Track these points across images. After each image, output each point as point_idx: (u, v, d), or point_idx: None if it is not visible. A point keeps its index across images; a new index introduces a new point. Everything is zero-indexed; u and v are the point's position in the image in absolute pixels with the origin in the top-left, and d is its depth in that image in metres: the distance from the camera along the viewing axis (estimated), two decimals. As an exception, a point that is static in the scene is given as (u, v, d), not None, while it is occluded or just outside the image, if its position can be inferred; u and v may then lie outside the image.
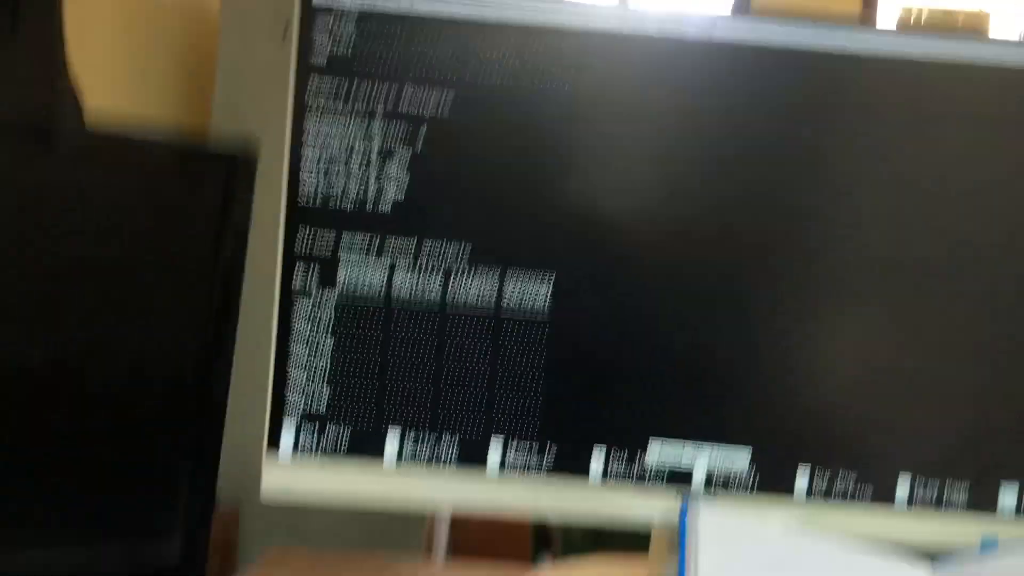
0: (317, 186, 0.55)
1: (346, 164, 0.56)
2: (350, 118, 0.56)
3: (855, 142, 0.57)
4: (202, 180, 0.47)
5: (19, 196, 0.40)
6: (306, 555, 0.72)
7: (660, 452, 0.57)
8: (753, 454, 0.57)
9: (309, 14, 0.55)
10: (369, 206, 0.56)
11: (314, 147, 0.55)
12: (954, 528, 0.58)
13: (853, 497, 0.57)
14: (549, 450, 0.57)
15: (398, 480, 0.57)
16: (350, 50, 0.55)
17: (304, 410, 0.56)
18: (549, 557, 1.52)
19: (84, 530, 0.45)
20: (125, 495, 0.46)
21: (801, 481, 0.57)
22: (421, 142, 0.56)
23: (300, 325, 0.56)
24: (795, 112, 0.57)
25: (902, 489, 0.58)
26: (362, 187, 0.56)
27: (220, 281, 0.47)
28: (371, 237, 0.56)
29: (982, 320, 0.57)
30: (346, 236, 0.56)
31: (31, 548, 0.43)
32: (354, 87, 0.55)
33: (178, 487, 0.47)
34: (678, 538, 0.54)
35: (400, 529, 1.48)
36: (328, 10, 0.55)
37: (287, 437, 0.56)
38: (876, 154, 0.57)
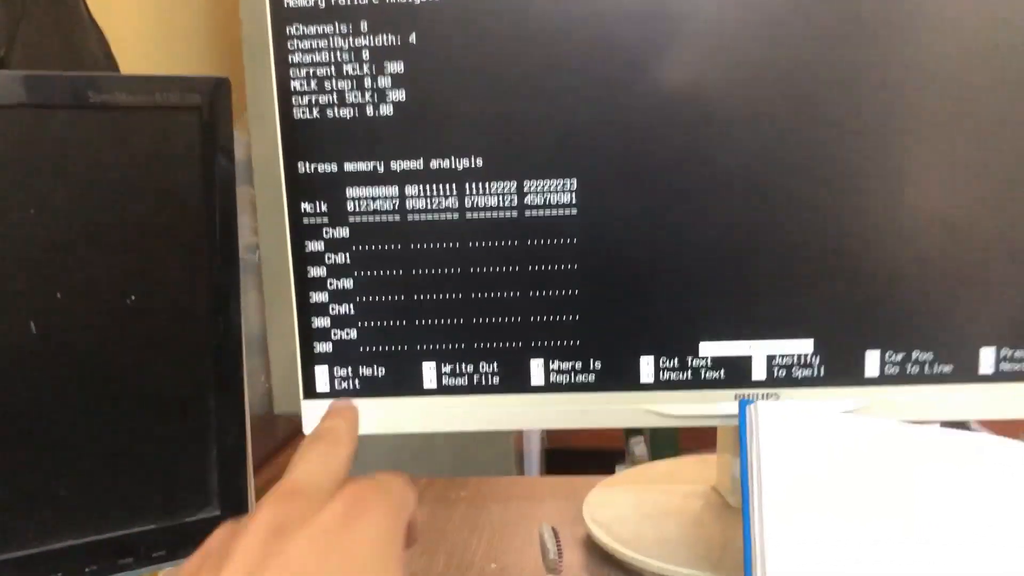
0: (312, 118, 0.52)
1: (337, 84, 0.51)
2: (335, 28, 0.51)
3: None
4: (178, 114, 0.44)
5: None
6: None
7: (713, 354, 0.53)
8: (815, 345, 0.53)
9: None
10: (367, 129, 0.52)
11: (302, 69, 0.51)
12: (1047, 399, 0.52)
13: (930, 378, 0.53)
14: (593, 366, 0.54)
15: (440, 407, 0.55)
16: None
17: (335, 356, 0.54)
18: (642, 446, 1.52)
19: (115, 501, 0.44)
20: (151, 457, 0.45)
21: (871, 367, 0.53)
22: (415, 44, 0.51)
23: (316, 271, 0.53)
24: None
25: (986, 364, 0.52)
26: (357, 110, 0.51)
27: (215, 210, 0.44)
28: (375, 166, 0.52)
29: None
30: (348, 167, 0.52)
31: (55, 530, 0.42)
32: None
33: (204, 435, 0.46)
34: (739, 440, 0.50)
35: (490, 453, 1.50)
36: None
37: (322, 383, 0.55)
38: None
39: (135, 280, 0.44)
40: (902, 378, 0.53)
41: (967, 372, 0.53)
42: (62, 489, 0.42)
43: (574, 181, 0.52)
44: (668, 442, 1.43)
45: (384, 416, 0.54)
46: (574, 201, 0.52)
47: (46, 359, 0.42)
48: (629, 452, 1.79)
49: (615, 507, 0.59)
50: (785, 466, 0.48)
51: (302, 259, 0.53)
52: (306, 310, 0.54)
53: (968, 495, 0.46)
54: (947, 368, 0.53)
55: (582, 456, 2.10)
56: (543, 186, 0.52)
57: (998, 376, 0.53)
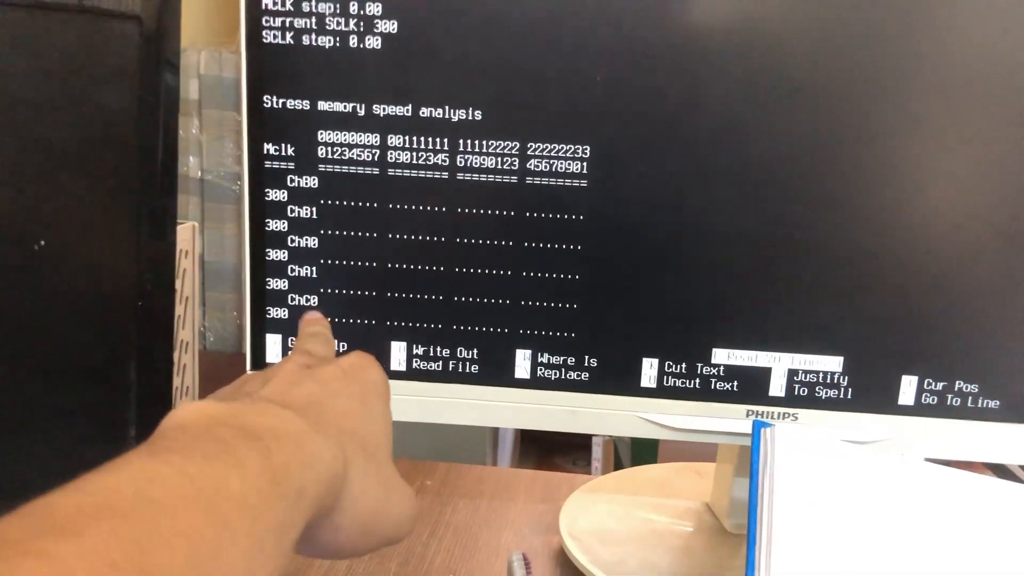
0: (284, 43, 0.43)
1: (318, 7, 0.43)
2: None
3: None
4: (111, 22, 0.35)
5: None
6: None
7: (727, 362, 0.46)
8: (845, 363, 0.46)
9: None
10: (348, 64, 0.44)
11: (277, -9, 0.43)
12: (1102, 448, 0.46)
13: (973, 413, 0.46)
14: (588, 363, 0.47)
15: (407, 393, 0.47)
16: None
17: (291, 324, 0.47)
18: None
19: (17, 481, 0.37)
20: (57, 432, 0.38)
21: (906, 394, 0.46)
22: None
23: (276, 225, 0.45)
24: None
25: (1037, 402, 0.46)
26: (338, 39, 0.43)
27: (151, 141, 0.37)
28: (354, 108, 0.44)
29: None
30: (323, 105, 0.44)
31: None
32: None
33: (121, 412, 0.39)
34: (750, 461, 0.43)
35: (467, 440, 1.44)
36: None
37: (273, 354, 0.47)
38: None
39: (47, 222, 0.36)
40: (941, 410, 0.46)
41: (1017, 410, 0.46)
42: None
43: (587, 148, 0.44)
44: (649, 441, 1.38)
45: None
46: (585, 171, 0.44)
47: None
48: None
49: (596, 518, 0.52)
50: (800, 497, 0.41)
51: (260, 209, 0.45)
52: (260, 269, 0.46)
53: (986, 544, 0.40)
54: (994, 403, 0.46)
55: (553, 443, 2.05)
56: (550, 150, 0.44)
57: (1050, 418, 0.46)
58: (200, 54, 1.45)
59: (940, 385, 0.46)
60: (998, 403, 0.46)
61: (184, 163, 1.48)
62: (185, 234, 0.60)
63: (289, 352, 0.47)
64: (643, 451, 1.46)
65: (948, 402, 0.46)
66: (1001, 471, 1.05)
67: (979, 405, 0.46)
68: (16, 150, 0.35)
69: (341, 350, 0.46)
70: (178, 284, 0.60)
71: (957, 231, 0.44)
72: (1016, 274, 0.44)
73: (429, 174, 0.45)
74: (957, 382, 0.46)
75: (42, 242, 0.36)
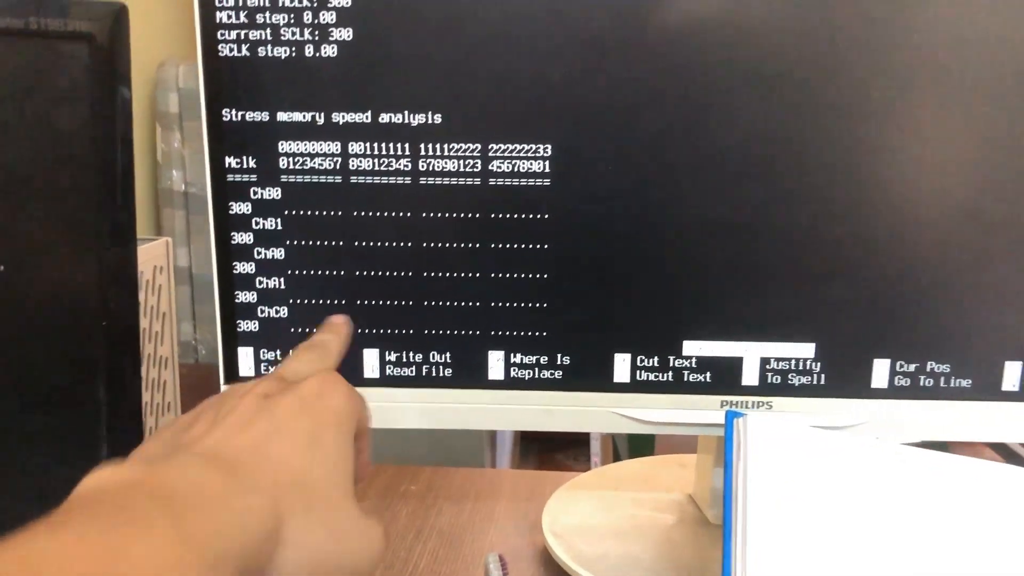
0: (240, 56, 0.43)
1: (272, 18, 0.43)
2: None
3: None
4: (63, 43, 0.36)
5: None
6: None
7: (699, 353, 0.46)
8: (817, 349, 0.46)
9: None
10: (306, 73, 0.44)
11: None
12: (1076, 422, 0.46)
13: (945, 393, 0.46)
14: (561, 361, 0.47)
15: (383, 400, 0.47)
16: None
17: (261, 336, 0.47)
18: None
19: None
20: (27, 456, 0.38)
21: (879, 377, 0.46)
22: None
23: (241, 238, 0.45)
24: None
25: (1011, 380, 0.46)
26: (294, 49, 0.43)
27: (108, 160, 0.36)
28: (314, 117, 0.44)
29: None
30: (282, 116, 0.44)
31: None
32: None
33: (93, 433, 0.39)
34: (724, 452, 0.43)
35: (464, 442, 1.43)
36: None
37: (245, 367, 0.47)
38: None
39: (6, 246, 0.36)
40: (914, 391, 0.46)
41: (989, 388, 0.46)
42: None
43: (548, 147, 0.44)
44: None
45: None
46: (547, 170, 0.44)
47: None
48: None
49: (578, 515, 0.53)
50: (774, 486, 0.41)
51: (225, 223, 0.45)
52: (229, 282, 0.46)
53: (966, 524, 0.40)
54: (966, 383, 0.46)
55: (552, 438, 2.05)
56: (512, 150, 0.44)
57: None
58: (179, 68, 1.45)
59: (912, 367, 0.46)
60: (970, 382, 0.46)
61: (168, 177, 1.48)
62: (158, 250, 0.60)
63: (264, 372, 0.47)
64: (640, 444, 1.46)
65: (921, 383, 0.46)
66: (1005, 452, 1.04)
67: (951, 385, 0.46)
68: (-31, 176, 0.35)
69: (314, 359, 0.46)
70: (154, 300, 0.60)
71: (922, 214, 0.44)
72: (981, 253, 0.44)
73: (392, 180, 0.45)
74: (929, 363, 0.46)
75: (1, 267, 0.36)
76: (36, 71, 0.36)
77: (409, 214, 0.45)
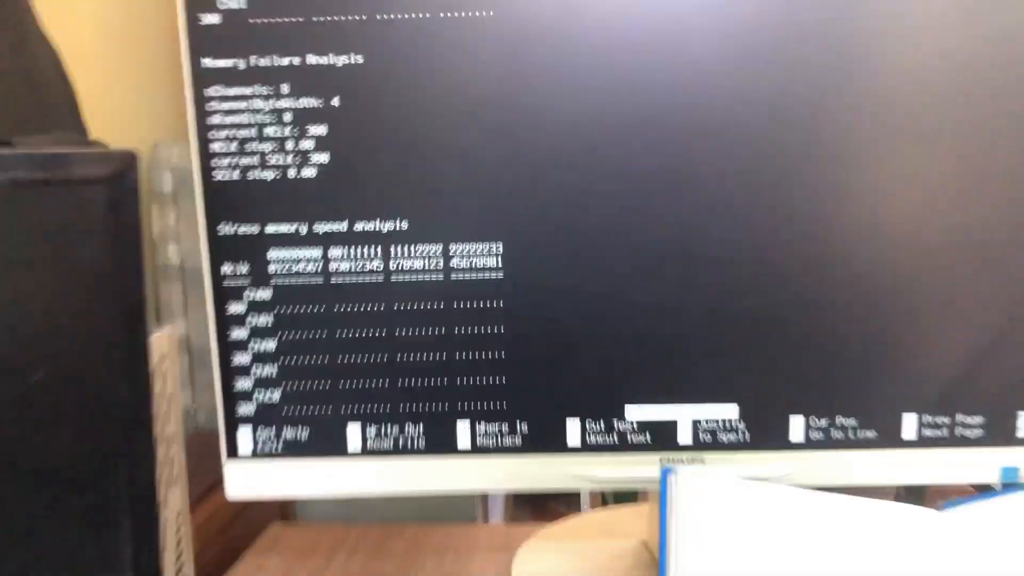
0: (233, 179, 0.51)
1: (259, 146, 0.51)
2: (256, 91, 0.50)
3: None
4: (84, 188, 0.43)
5: None
6: (311, 531, 0.71)
7: (639, 418, 0.53)
8: (740, 410, 0.53)
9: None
10: (290, 191, 0.51)
11: (222, 131, 0.50)
12: (969, 463, 0.53)
13: (854, 443, 0.53)
14: (520, 429, 0.53)
15: (365, 470, 0.54)
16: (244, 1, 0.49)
17: (258, 417, 0.53)
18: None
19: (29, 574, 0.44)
20: (62, 532, 0.45)
21: (796, 432, 0.53)
22: (337, 107, 0.50)
23: (237, 333, 0.52)
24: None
25: (909, 430, 0.53)
26: (279, 172, 0.51)
27: (123, 283, 0.43)
28: (297, 228, 0.51)
29: (983, 240, 0.51)
30: (271, 228, 0.51)
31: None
32: (254, 50, 0.50)
33: (116, 507, 0.45)
34: (660, 505, 0.50)
35: (453, 501, 1.49)
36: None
37: (244, 445, 0.54)
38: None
39: (42, 357, 0.43)
40: (827, 443, 0.53)
41: (890, 438, 0.53)
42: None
43: (500, 245, 0.51)
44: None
45: (308, 479, 0.54)
46: (500, 265, 0.52)
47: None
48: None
49: (544, 563, 0.59)
50: (701, 532, 0.48)
51: (223, 321, 0.52)
52: (228, 371, 0.53)
53: (879, 564, 0.47)
54: (871, 434, 0.53)
55: (544, 496, 2.10)
56: (469, 249, 0.52)
57: (921, 442, 0.53)
58: (172, 148, 1.54)
59: (823, 421, 0.53)
60: (875, 432, 0.53)
61: (164, 252, 1.55)
62: (164, 340, 0.67)
63: (259, 450, 0.53)
64: (624, 490, 1.51)
65: (832, 435, 0.53)
66: (908, 491, 1.09)
67: (858, 436, 0.53)
68: (13, 299, 0.42)
69: (305, 435, 0.53)
70: (160, 385, 0.66)
71: (824, 290, 0.52)
72: (871, 322, 0.52)
73: (367, 279, 0.52)
74: (837, 417, 0.53)
75: (40, 374, 0.43)
76: (63, 213, 0.43)
77: (382, 307, 0.52)
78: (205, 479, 0.79)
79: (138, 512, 0.47)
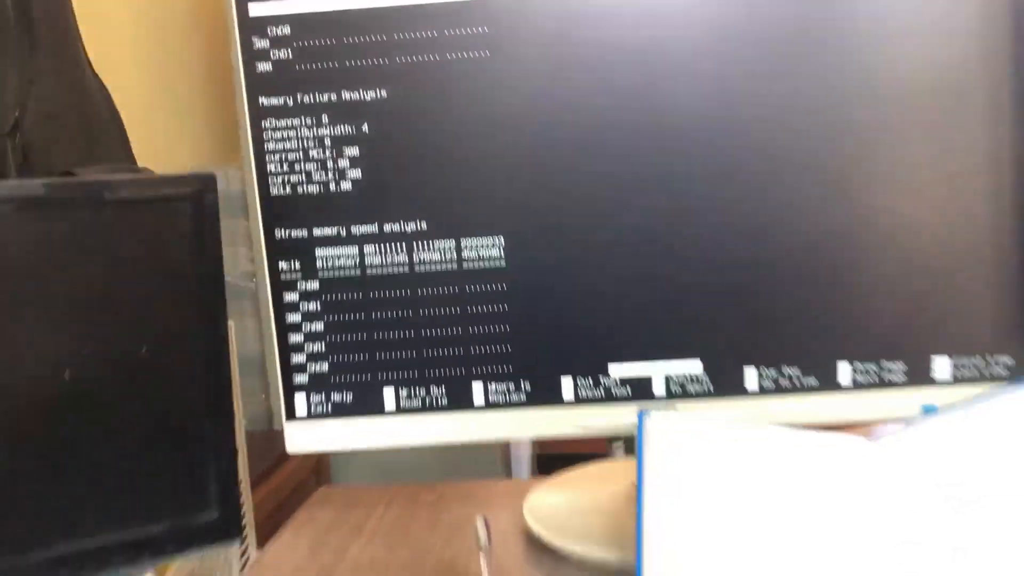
0: (285, 194, 0.63)
1: (305, 166, 0.63)
2: (302, 121, 0.63)
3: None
4: (174, 203, 0.56)
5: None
6: (355, 491, 0.83)
7: (621, 375, 0.65)
8: (703, 364, 0.64)
9: (247, 24, 0.62)
10: (331, 201, 0.64)
11: (276, 155, 0.63)
12: (895, 403, 0.64)
13: (799, 389, 0.64)
14: (524, 387, 0.65)
15: (400, 425, 0.66)
16: (290, 52, 0.62)
17: (311, 385, 0.66)
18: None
19: (134, 508, 0.56)
20: (162, 473, 0.57)
21: (751, 382, 0.64)
22: (367, 133, 0.63)
23: (292, 317, 0.65)
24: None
25: (844, 376, 0.64)
26: (322, 186, 0.63)
27: (205, 280, 0.56)
28: (338, 231, 0.64)
29: (898, 198, 0.62)
30: (317, 232, 0.64)
31: (90, 532, 0.54)
32: (300, 88, 0.62)
33: (205, 451, 0.58)
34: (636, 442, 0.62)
35: (477, 459, 1.61)
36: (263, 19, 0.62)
37: (300, 408, 0.66)
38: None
39: (146, 336, 0.56)
40: (777, 391, 0.64)
41: (829, 383, 0.64)
42: (93, 500, 0.54)
43: (501, 238, 0.63)
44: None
45: (353, 434, 0.66)
46: (502, 255, 0.64)
47: (77, 399, 0.54)
48: (611, 455, 1.91)
49: (551, 505, 0.71)
50: (673, 465, 0.59)
51: (280, 308, 0.65)
52: (286, 349, 0.66)
53: (819, 483, 0.58)
54: (812, 381, 0.64)
55: (570, 460, 2.21)
56: (476, 243, 0.64)
57: (855, 386, 0.64)
58: (217, 173, 1.67)
59: (772, 371, 0.64)
60: (815, 379, 0.64)
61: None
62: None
63: (312, 412, 0.66)
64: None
65: (779, 384, 0.64)
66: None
67: (803, 384, 0.64)
68: (124, 293, 0.55)
69: (350, 398, 0.66)
70: (225, 368, 0.79)
71: (770, 248, 0.63)
72: (809, 278, 0.63)
73: (395, 270, 0.64)
74: (783, 367, 0.64)
75: (145, 348, 0.55)
76: (158, 225, 0.56)
77: (408, 292, 0.64)
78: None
79: (222, 460, 0.59)
